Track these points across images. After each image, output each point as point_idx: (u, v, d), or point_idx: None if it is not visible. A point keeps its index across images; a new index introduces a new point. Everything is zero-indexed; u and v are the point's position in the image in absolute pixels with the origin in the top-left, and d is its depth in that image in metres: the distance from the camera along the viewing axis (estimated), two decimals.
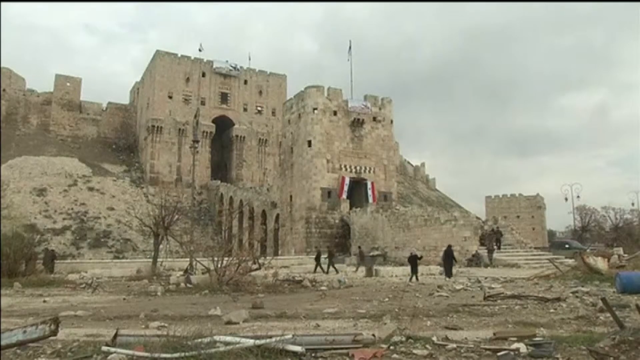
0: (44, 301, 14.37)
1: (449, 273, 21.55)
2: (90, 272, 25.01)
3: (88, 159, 74.12)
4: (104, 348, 5.90)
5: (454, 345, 6.52)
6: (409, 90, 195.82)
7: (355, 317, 10.05)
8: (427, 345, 6.54)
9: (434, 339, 6.88)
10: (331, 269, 26.66)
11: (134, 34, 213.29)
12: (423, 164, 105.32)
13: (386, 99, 51.92)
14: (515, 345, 6.34)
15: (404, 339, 6.80)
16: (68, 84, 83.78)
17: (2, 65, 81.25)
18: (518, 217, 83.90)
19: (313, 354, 5.97)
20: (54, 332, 5.65)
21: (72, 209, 62.60)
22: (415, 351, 6.25)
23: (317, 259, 27.92)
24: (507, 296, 12.71)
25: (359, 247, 34.18)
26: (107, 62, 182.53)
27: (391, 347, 6.38)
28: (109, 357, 5.67)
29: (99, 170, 72.63)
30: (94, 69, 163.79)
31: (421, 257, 23.09)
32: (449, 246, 23.45)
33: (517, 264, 27.83)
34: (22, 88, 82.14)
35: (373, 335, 6.89)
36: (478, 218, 40.29)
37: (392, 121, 52.05)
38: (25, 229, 46.42)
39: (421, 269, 25.36)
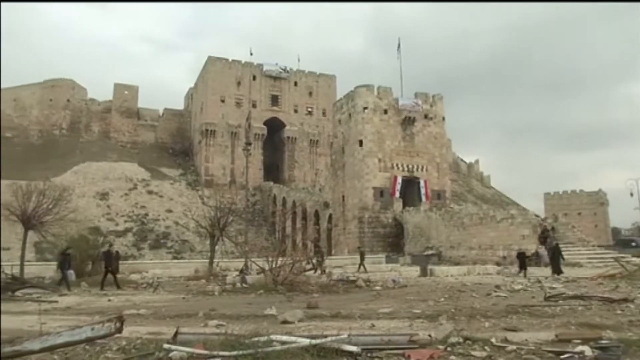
0: (109, 300, 14.96)
1: (557, 270, 21.05)
2: (151, 272, 25.63)
3: (146, 164, 77.01)
4: (166, 346, 6.07)
5: (514, 347, 6.31)
6: (458, 86, 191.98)
7: (410, 317, 9.90)
8: (486, 347, 6.36)
9: (493, 340, 6.68)
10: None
11: (186, 41, 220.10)
12: (477, 161, 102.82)
13: (437, 96, 51.10)
14: (579, 348, 6.06)
15: (461, 340, 6.64)
16: (126, 92, 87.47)
17: (66, 78, 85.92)
18: (579, 214, 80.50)
19: (369, 354, 5.93)
20: (119, 330, 5.87)
21: (132, 211, 65.22)
22: (473, 352, 6.09)
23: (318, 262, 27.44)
24: (569, 296, 12.17)
25: (359, 247, 34.88)
26: (162, 69, 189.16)
27: (448, 348, 6.25)
28: (170, 354, 5.81)
29: (157, 174, 75.28)
30: (150, 77, 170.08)
31: (529, 256, 24.18)
32: (557, 244, 23.67)
33: (578, 263, 26.67)
34: (84, 98, 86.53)
35: (429, 335, 6.79)
36: (537, 216, 38.90)
37: (443, 118, 51.19)
38: (90, 231, 48.67)
39: (477, 268, 24.78)
